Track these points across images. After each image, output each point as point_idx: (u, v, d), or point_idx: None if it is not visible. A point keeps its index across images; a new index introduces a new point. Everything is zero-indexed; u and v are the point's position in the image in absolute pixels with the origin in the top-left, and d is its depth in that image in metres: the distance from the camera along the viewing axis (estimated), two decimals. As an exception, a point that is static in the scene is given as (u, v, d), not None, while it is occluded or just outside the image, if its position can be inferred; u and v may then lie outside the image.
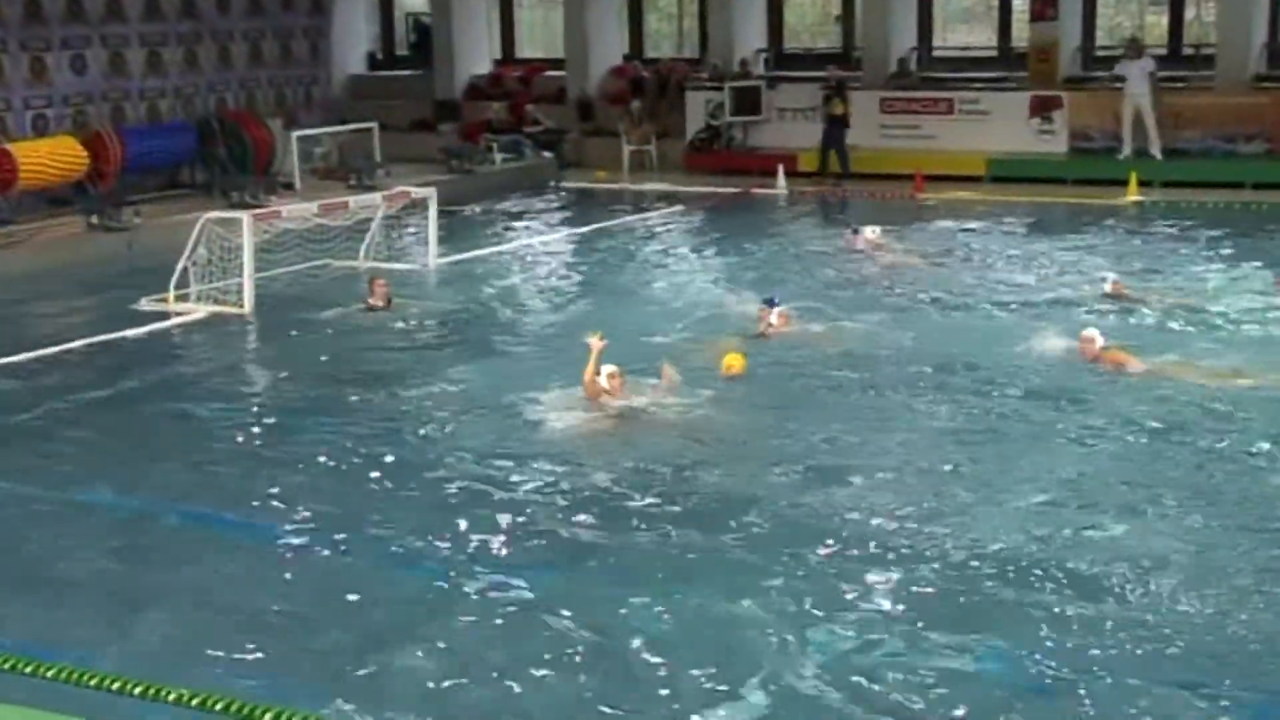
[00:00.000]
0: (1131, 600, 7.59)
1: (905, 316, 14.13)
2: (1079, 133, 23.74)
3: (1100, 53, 25.52)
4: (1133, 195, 21.63)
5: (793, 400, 11.36)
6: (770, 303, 13.32)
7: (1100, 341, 11.93)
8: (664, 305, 15.14)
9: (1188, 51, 25.08)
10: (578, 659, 7.04)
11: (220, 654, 7.22)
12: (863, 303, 14.77)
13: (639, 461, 9.89)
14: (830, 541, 8.39)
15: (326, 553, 8.49)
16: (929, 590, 7.77)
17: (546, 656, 7.02)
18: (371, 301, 14.83)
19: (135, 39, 23.95)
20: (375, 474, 9.89)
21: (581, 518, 8.91)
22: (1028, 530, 8.50)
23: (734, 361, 11.81)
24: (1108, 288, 14.37)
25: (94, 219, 19.94)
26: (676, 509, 9.00)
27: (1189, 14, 25.73)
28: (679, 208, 22.28)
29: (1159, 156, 22.73)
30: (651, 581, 7.84)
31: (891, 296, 15.16)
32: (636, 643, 7.14)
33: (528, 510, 9.00)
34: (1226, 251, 17.24)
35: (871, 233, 16.98)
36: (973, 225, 19.80)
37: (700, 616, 7.42)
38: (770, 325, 12.97)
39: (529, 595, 7.69)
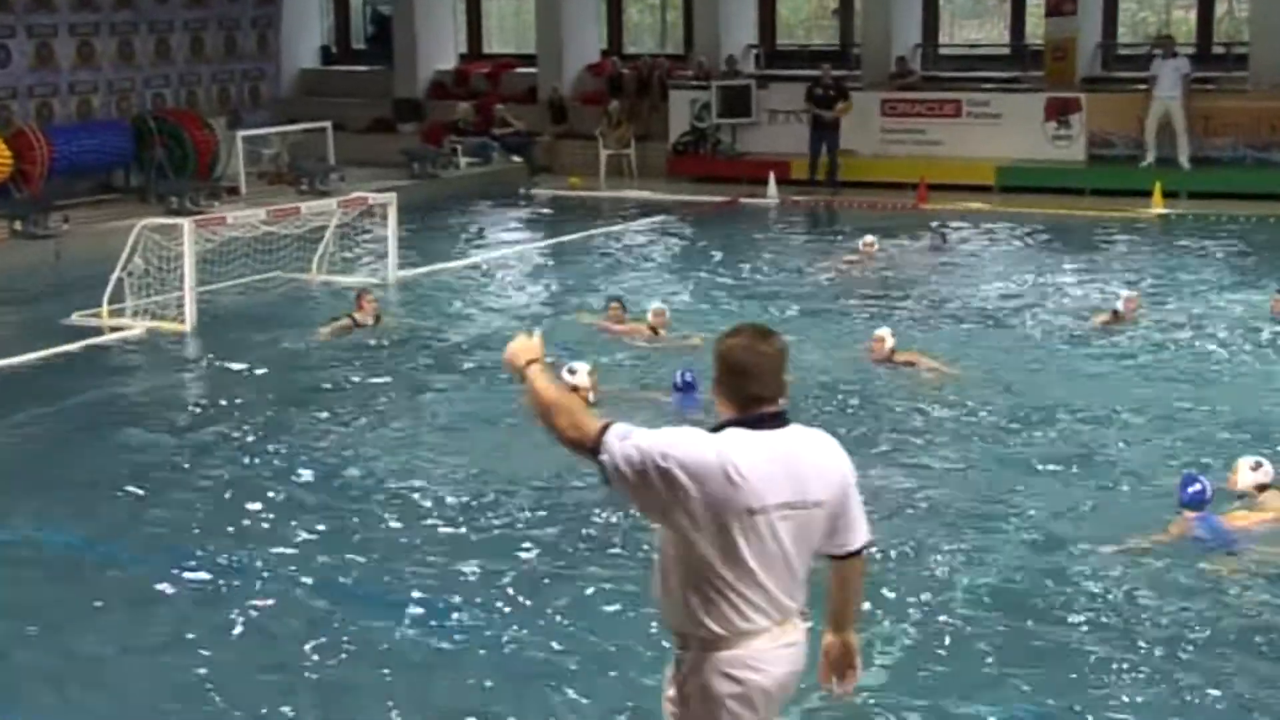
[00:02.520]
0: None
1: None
2: (1098, 138, 23.78)
3: (1123, 51, 25.68)
4: (1157, 207, 21.67)
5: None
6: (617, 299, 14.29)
7: (890, 343, 12.65)
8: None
9: (1218, 50, 25.30)
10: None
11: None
12: (853, 324, 14.89)
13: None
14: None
15: (261, 602, 8.40)
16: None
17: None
18: (358, 317, 14.69)
19: (64, 28, 23.83)
20: (326, 507, 9.83)
21: (578, 546, 9.00)
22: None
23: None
24: (1119, 306, 14.52)
25: (18, 225, 19.80)
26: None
27: (1219, 9, 25.90)
28: (660, 218, 22.28)
29: (1187, 165, 22.77)
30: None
31: (891, 313, 15.32)
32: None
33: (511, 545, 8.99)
34: (1251, 271, 17.38)
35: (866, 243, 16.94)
36: (978, 239, 20.01)
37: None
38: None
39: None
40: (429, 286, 17.43)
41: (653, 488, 4.62)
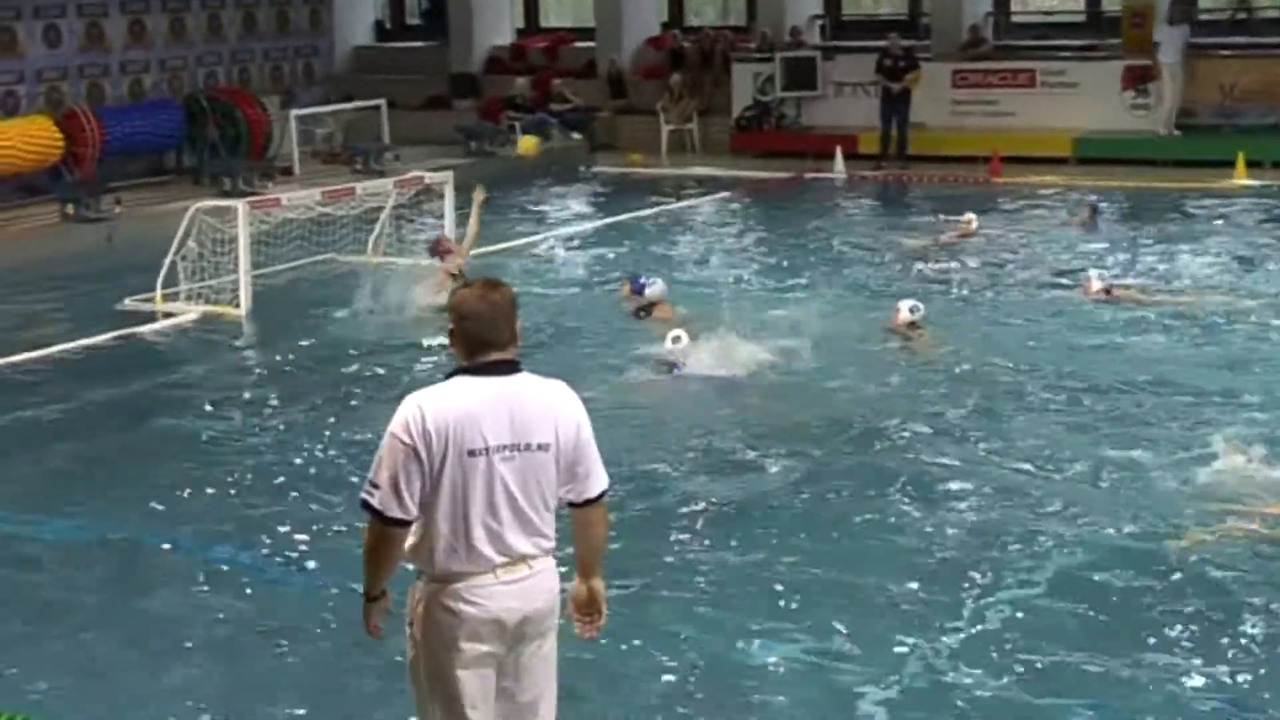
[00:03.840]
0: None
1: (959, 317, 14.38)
2: (1182, 107, 23.60)
3: (1204, 15, 25.42)
4: (1240, 179, 21.56)
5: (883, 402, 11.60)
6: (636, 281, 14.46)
7: (905, 315, 13.08)
8: (706, 304, 14.96)
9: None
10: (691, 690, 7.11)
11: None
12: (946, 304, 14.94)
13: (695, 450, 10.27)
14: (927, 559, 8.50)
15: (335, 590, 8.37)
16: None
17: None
18: (450, 266, 14.55)
19: (115, 7, 24.09)
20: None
21: (650, 528, 9.01)
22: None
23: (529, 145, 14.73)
24: (1095, 285, 14.52)
25: (70, 208, 19.93)
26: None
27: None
28: (723, 194, 22.32)
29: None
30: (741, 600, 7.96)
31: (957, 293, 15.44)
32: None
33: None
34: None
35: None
36: (1045, 213, 19.92)
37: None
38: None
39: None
40: (488, 268, 17.23)
41: (416, 474, 5.04)
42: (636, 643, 7.43)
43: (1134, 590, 8.04)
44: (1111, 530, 8.90)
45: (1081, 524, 8.99)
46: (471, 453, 5.05)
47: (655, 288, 13.90)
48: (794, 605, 7.93)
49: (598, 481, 5.30)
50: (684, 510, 9.38)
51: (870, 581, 8.19)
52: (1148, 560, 8.39)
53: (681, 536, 8.99)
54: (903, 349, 13.11)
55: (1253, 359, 12.50)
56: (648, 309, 13.83)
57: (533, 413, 5.13)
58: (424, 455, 5.04)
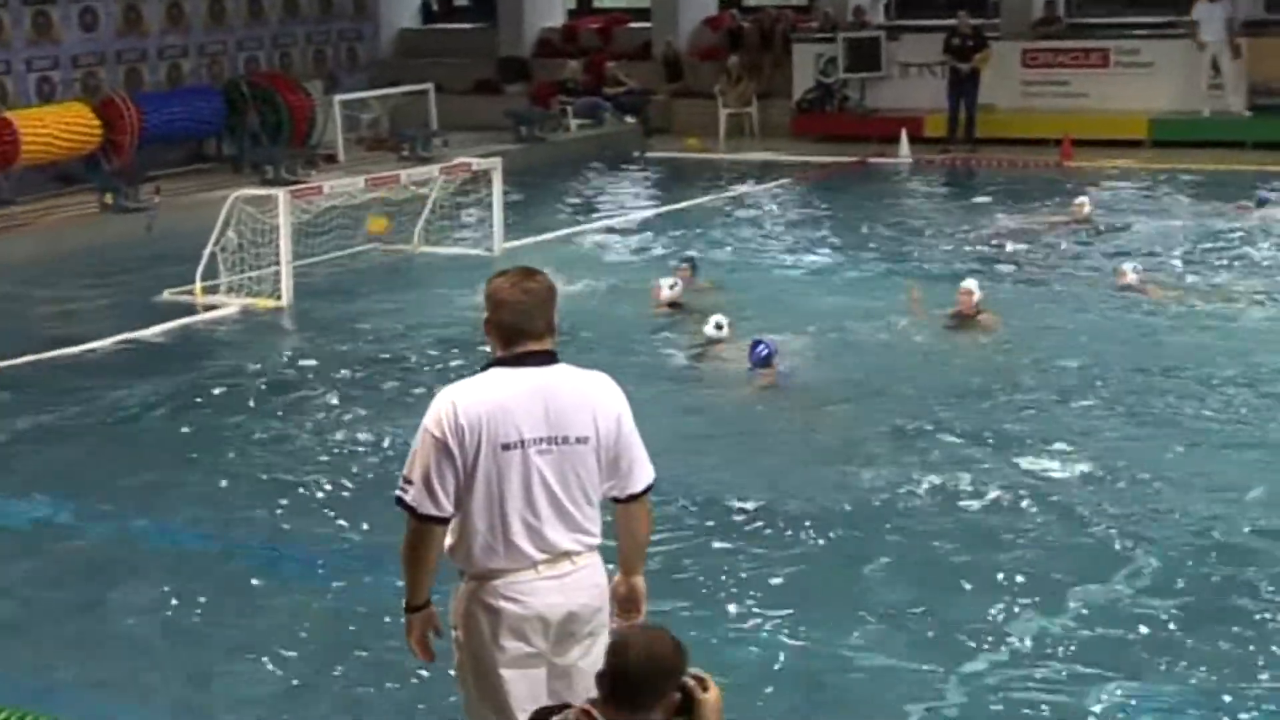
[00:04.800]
0: None
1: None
2: (1260, 86, 23.38)
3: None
4: (1325, 160, 21.33)
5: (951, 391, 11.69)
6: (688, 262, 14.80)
7: (977, 296, 13.17)
8: (772, 297, 15.05)
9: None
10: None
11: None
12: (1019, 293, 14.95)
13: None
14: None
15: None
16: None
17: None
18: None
19: (153, -10, 24.12)
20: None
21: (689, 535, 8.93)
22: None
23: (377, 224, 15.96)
24: (1129, 278, 14.48)
25: (108, 198, 19.93)
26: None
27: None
28: (784, 180, 22.25)
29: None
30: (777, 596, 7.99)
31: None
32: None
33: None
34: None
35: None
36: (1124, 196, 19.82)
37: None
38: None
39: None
40: (538, 258, 17.06)
41: (450, 470, 5.05)
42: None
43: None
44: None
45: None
46: (506, 446, 5.05)
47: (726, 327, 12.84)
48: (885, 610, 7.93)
49: (641, 476, 5.28)
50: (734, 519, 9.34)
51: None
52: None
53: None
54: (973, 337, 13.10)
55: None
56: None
57: (570, 405, 5.12)
58: (456, 450, 5.05)
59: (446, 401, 5.09)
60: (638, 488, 5.28)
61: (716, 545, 8.82)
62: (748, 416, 11.35)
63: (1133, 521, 8.95)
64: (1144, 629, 7.60)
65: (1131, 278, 14.52)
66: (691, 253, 16.10)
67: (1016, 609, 7.82)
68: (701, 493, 9.50)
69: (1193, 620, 7.64)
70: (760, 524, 9.12)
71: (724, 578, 8.33)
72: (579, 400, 5.14)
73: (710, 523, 9.14)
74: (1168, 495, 9.37)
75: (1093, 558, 8.46)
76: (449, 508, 5.08)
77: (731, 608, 7.94)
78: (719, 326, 12.47)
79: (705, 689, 4.55)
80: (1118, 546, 8.62)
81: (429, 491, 5.06)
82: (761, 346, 11.87)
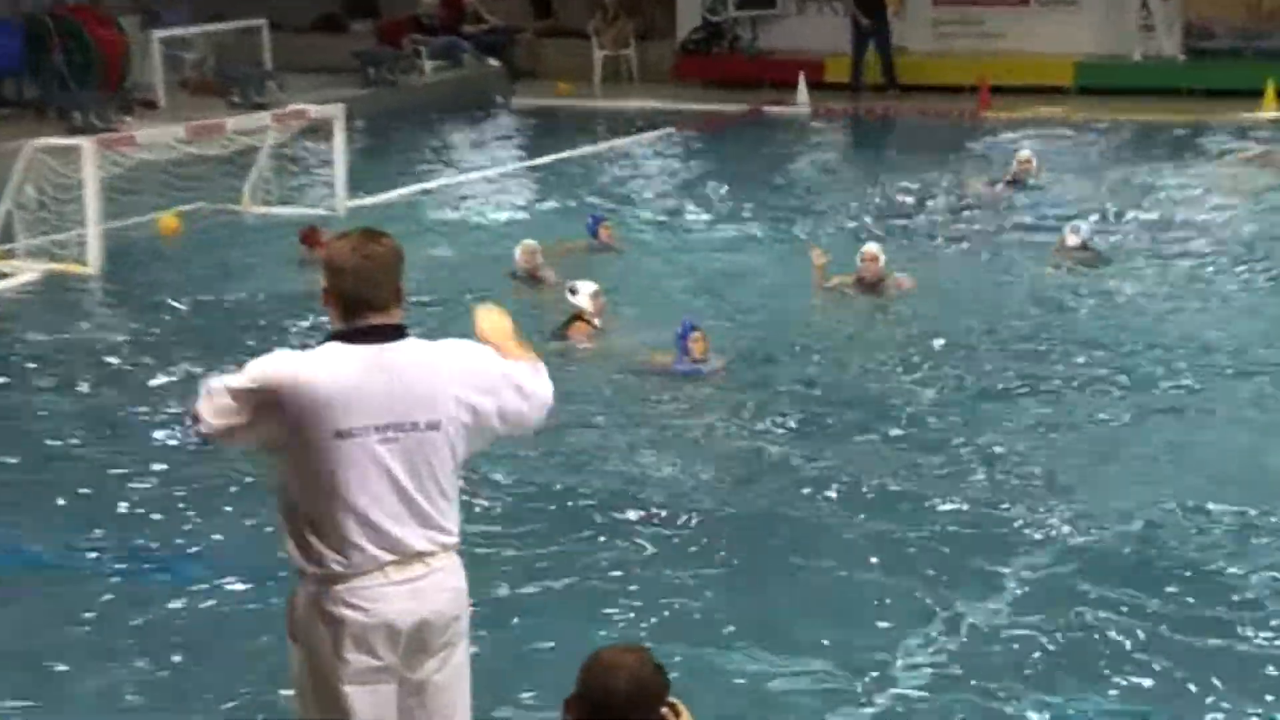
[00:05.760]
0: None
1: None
2: (1198, 28, 23.70)
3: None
4: (1269, 110, 21.62)
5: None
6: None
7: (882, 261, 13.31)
8: (651, 265, 15.07)
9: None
10: None
11: None
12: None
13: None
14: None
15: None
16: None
17: None
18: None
19: (-59, -93, 23.55)
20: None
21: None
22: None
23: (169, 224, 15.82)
24: (1072, 239, 14.60)
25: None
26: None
27: None
28: (667, 131, 22.19)
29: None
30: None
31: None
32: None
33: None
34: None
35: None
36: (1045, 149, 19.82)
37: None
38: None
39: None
40: (386, 219, 16.51)
41: (248, 422, 5.04)
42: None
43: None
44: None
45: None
46: (343, 434, 4.98)
47: (582, 293, 12.46)
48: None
49: (538, 402, 5.24)
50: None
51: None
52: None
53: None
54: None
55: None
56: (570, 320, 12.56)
57: (419, 386, 5.05)
58: (290, 421, 4.99)
59: (288, 370, 5.02)
60: (535, 418, 5.29)
61: (597, 550, 8.77)
62: (627, 399, 11.23)
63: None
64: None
65: (1072, 240, 14.56)
66: (597, 211, 16.13)
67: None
68: (584, 488, 9.52)
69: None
70: (642, 526, 9.06)
71: (606, 582, 8.33)
72: (430, 379, 5.06)
73: (592, 526, 9.08)
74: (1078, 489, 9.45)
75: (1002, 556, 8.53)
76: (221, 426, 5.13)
77: (610, 611, 7.96)
78: (575, 292, 12.25)
79: (678, 716, 4.50)
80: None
81: (225, 435, 5.14)
82: (681, 325, 11.65)
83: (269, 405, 4.99)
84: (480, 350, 5.20)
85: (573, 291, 12.32)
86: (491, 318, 5.36)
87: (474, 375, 5.12)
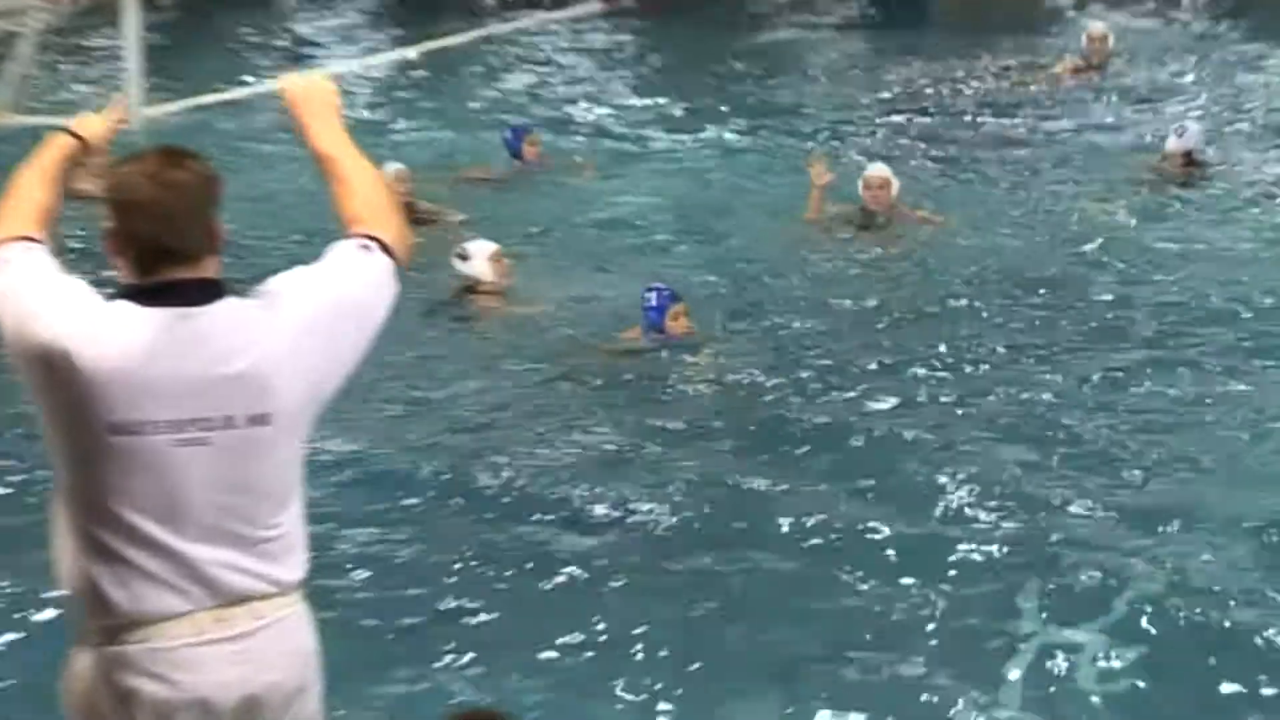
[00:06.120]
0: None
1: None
2: None
3: None
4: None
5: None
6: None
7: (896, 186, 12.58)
8: (580, 195, 13.82)
9: None
10: None
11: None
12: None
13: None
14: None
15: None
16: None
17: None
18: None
19: None
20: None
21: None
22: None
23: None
24: (1175, 144, 13.60)
25: None
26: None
27: None
28: (590, 7, 20.74)
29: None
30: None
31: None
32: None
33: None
34: None
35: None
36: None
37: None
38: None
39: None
40: (197, 133, 14.88)
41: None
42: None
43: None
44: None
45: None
46: (117, 428, 3.93)
47: (476, 258, 11.42)
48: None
49: (388, 295, 4.21)
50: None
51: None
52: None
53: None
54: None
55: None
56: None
57: (237, 360, 4.02)
58: (53, 404, 3.93)
59: (48, 332, 3.93)
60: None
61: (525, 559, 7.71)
62: (537, 379, 10.10)
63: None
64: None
65: (1174, 144, 13.38)
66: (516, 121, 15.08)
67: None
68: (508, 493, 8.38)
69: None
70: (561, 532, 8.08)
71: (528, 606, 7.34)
72: (256, 355, 4.01)
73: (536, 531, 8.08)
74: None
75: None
76: None
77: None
78: (465, 257, 10.96)
79: None
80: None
81: None
82: (654, 295, 10.47)
83: (26, 371, 4.08)
84: (315, 281, 4.15)
85: (462, 257, 11.06)
86: (307, 80, 4.51)
87: (315, 328, 4.09)
